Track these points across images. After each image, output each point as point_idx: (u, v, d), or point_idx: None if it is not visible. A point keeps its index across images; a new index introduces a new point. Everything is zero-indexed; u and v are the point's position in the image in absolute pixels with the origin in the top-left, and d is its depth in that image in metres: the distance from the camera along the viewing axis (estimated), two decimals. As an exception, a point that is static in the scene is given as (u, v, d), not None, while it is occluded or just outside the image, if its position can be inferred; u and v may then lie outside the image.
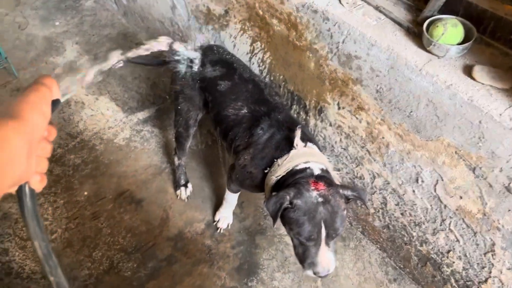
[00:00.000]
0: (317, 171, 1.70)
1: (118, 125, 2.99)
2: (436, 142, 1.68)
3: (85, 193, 2.66)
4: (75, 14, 3.75)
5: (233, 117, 1.99)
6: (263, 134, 1.87)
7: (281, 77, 2.27)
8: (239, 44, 2.42)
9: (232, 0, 2.24)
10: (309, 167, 1.70)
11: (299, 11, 1.89)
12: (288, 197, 1.57)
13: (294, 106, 2.32)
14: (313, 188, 1.59)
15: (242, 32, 2.34)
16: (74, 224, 2.52)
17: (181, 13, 2.77)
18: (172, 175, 2.73)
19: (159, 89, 3.22)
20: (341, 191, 1.63)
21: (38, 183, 0.72)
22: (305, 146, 1.78)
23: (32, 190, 0.73)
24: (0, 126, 0.62)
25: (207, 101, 2.13)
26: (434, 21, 1.58)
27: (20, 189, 0.72)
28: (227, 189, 2.28)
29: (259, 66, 2.37)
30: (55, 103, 0.78)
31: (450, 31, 1.51)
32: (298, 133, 1.75)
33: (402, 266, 2.31)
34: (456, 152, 1.63)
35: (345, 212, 1.62)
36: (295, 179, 1.67)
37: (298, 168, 1.71)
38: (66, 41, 3.54)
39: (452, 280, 2.02)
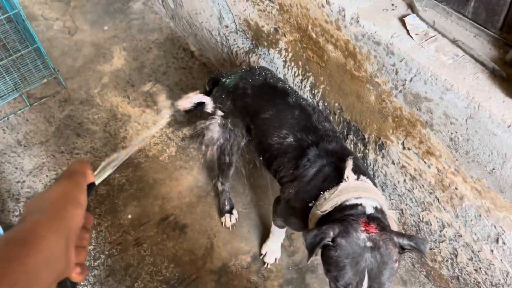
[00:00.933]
0: (370, 210, 1.42)
1: (164, 141, 2.86)
2: (524, 207, 1.38)
3: (129, 216, 2.56)
4: (123, 18, 3.62)
5: (277, 146, 1.77)
6: (310, 166, 1.63)
7: (336, 104, 2.02)
8: (289, 64, 2.18)
9: (282, 19, 2.00)
10: (361, 204, 1.42)
11: (358, 40, 1.62)
12: (331, 233, 1.31)
13: (351, 136, 2.06)
14: (362, 229, 1.32)
15: (292, 53, 2.10)
16: (117, 251, 2.43)
17: (228, 25, 2.56)
18: (217, 199, 2.57)
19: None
20: (395, 238, 1.34)
21: (79, 275, 0.69)
22: (357, 179, 1.51)
23: (74, 284, 0.69)
24: (33, 225, 0.60)
25: (250, 127, 1.93)
26: (529, 65, 1.27)
27: (61, 285, 0.67)
28: (272, 223, 2.08)
29: (311, 90, 2.13)
30: (90, 187, 0.77)
31: (551, 80, 1.20)
32: (349, 163, 1.49)
33: (472, 321, 2.04)
34: (551, 223, 1.33)
35: (396, 264, 1.33)
36: (343, 216, 1.40)
37: (347, 203, 1.44)
38: (113, 47, 3.43)
39: None
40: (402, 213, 2.03)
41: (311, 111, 1.79)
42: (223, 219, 2.46)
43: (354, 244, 1.30)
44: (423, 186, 1.79)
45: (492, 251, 1.64)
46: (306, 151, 1.67)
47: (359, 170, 1.55)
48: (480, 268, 1.76)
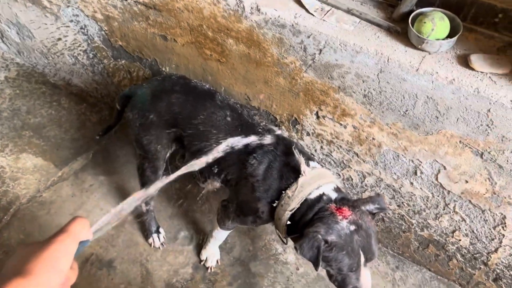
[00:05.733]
0: (333, 194, 1.59)
1: (54, 182, 2.60)
2: (437, 136, 1.66)
3: (43, 272, 2.29)
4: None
5: None
6: (259, 163, 1.70)
7: (243, 95, 2.10)
8: (191, 67, 2.20)
9: (170, 25, 2.00)
10: (323, 193, 1.58)
11: (262, 28, 1.73)
12: (320, 237, 1.44)
13: (263, 123, 2.17)
14: (340, 217, 1.48)
15: (186, 56, 2.12)
16: (43, 313, 2.16)
17: (99, 44, 2.44)
18: (138, 223, 2.45)
19: (87, 130, 2.85)
20: (364, 208, 1.55)
21: None
22: (311, 168, 1.65)
23: None
24: (5, 284, 0.61)
25: (178, 136, 1.90)
26: (417, 17, 1.53)
27: None
28: (218, 227, 2.06)
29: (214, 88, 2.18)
30: (83, 243, 0.77)
31: (439, 26, 1.47)
32: (301, 158, 1.62)
33: (400, 252, 2.33)
34: (460, 141, 1.62)
35: (375, 227, 1.55)
36: (316, 212, 1.55)
37: (312, 197, 1.58)
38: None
39: (458, 256, 2.07)
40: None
41: (239, 108, 1.85)
42: (150, 240, 2.36)
43: (343, 235, 1.46)
44: (340, 146, 1.99)
45: (412, 183, 1.91)
46: (250, 149, 1.73)
47: (306, 157, 1.69)
48: (402, 202, 2.03)
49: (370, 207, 1.57)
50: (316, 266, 1.45)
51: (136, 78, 2.50)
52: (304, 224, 1.56)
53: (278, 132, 1.79)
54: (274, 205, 1.66)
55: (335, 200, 1.57)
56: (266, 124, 1.85)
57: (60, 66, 2.85)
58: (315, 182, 1.60)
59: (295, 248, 1.47)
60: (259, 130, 1.78)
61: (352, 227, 1.47)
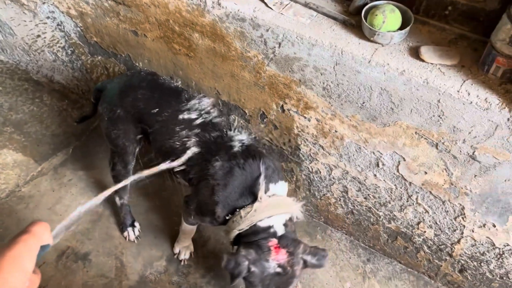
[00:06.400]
0: (280, 230, 1.67)
1: (34, 177, 2.65)
2: (394, 127, 1.69)
3: (19, 264, 2.33)
4: None
5: (181, 148, 1.82)
6: (222, 167, 1.72)
7: (213, 89, 2.14)
8: (162, 62, 2.24)
9: (139, 20, 2.04)
10: (272, 226, 1.67)
11: (224, 22, 1.77)
12: (247, 263, 1.57)
13: (232, 116, 2.21)
14: (273, 257, 1.59)
15: (157, 51, 2.16)
16: (18, 304, 2.20)
17: (75, 40, 2.49)
18: (114, 217, 2.49)
19: (68, 126, 2.90)
20: (301, 256, 1.63)
21: None
22: (269, 195, 1.70)
23: None
24: None
25: (144, 132, 1.94)
26: (370, 10, 1.56)
27: None
28: (183, 222, 2.11)
29: (184, 82, 2.22)
30: (44, 247, 0.77)
31: (389, 18, 1.50)
32: (262, 183, 1.66)
33: (371, 245, 2.36)
34: (416, 132, 1.65)
35: (299, 276, 1.66)
36: (257, 239, 1.65)
37: (261, 225, 1.66)
38: None
39: (425, 247, 2.09)
40: (293, 171, 2.25)
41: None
42: (125, 233, 2.40)
43: (266, 272, 1.59)
44: (307, 140, 2.02)
45: (375, 175, 1.94)
46: (214, 150, 1.76)
47: (270, 179, 1.71)
48: (368, 194, 2.06)
49: (309, 258, 1.65)
50: (231, 282, 1.58)
51: (113, 74, 2.54)
52: (244, 243, 1.66)
53: (245, 138, 1.81)
54: (227, 218, 1.73)
55: (279, 237, 1.65)
56: (232, 125, 1.89)
57: (41, 63, 2.89)
58: (268, 211, 1.67)
59: (222, 261, 1.60)
60: (225, 132, 1.81)
61: (278, 270, 1.59)
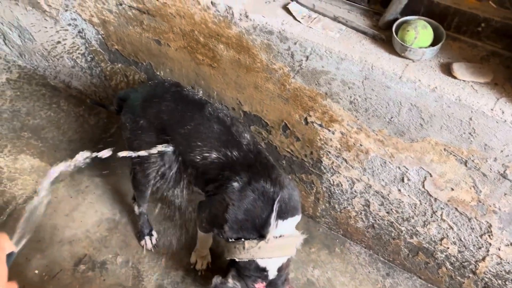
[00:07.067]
0: (272, 275, 1.73)
1: (51, 183, 2.63)
2: (422, 143, 1.66)
3: (36, 271, 2.33)
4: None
5: (201, 162, 1.81)
6: (240, 189, 1.69)
7: (234, 99, 2.13)
8: (185, 71, 2.23)
9: (163, 30, 2.04)
10: (267, 270, 1.72)
11: (251, 34, 1.76)
12: None
13: (253, 127, 2.19)
14: None
15: (179, 60, 2.15)
16: (35, 313, 2.20)
17: (96, 47, 2.48)
18: (131, 225, 2.48)
19: (85, 132, 2.90)
20: None
21: None
22: (276, 236, 1.69)
23: None
24: None
25: (166, 143, 1.93)
26: (401, 25, 1.54)
27: None
28: (198, 230, 2.10)
29: (206, 92, 2.21)
30: (10, 256, 0.80)
31: (422, 34, 1.48)
32: (272, 225, 1.65)
33: (391, 259, 2.33)
34: (445, 149, 1.62)
35: None
36: (250, 275, 1.72)
37: (259, 263, 1.71)
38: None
39: (447, 264, 2.06)
40: (313, 183, 2.23)
41: (229, 122, 1.84)
42: (143, 242, 2.39)
43: None
44: (329, 152, 2.00)
45: (399, 190, 1.92)
46: (234, 170, 1.74)
47: (280, 215, 1.68)
48: (391, 209, 2.03)
49: None
50: None
51: (132, 82, 2.54)
52: (236, 269, 1.74)
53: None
54: (230, 240, 1.73)
55: (269, 282, 1.74)
56: (256, 142, 1.86)
57: (60, 68, 2.90)
58: (271, 252, 1.69)
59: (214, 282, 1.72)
60: (244, 148, 1.79)
61: None
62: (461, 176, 1.67)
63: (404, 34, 1.50)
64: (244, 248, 1.67)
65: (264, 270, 1.71)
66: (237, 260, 1.71)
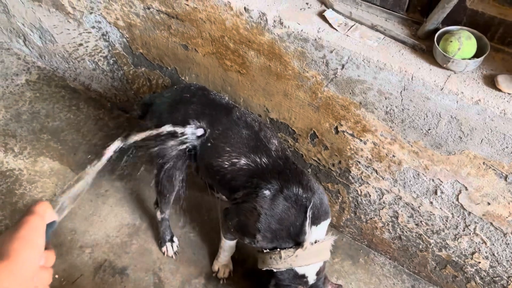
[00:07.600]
0: (312, 280, 1.74)
1: (63, 185, 2.62)
2: (459, 156, 1.62)
3: (56, 276, 2.30)
4: (-23, 66, 3.22)
5: (229, 169, 1.78)
6: (271, 197, 1.67)
7: (262, 106, 2.09)
8: (211, 77, 2.20)
9: (191, 35, 2.00)
10: (307, 276, 1.72)
11: (284, 41, 1.72)
12: None
13: (280, 134, 2.16)
14: None
15: (206, 66, 2.12)
16: (55, 319, 2.17)
17: (120, 50, 2.46)
18: (152, 230, 2.45)
19: (104, 135, 2.87)
20: None
21: None
22: (312, 242, 1.67)
23: None
24: None
25: (194, 148, 1.90)
26: (442, 35, 1.50)
27: None
28: (222, 237, 2.07)
29: (232, 98, 2.17)
30: (51, 225, 0.79)
31: (465, 45, 1.44)
32: (307, 233, 1.64)
33: (417, 271, 2.29)
34: (484, 163, 1.58)
35: None
36: (289, 284, 1.72)
37: (298, 271, 1.72)
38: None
39: (477, 278, 2.02)
40: (339, 193, 2.19)
41: (257, 127, 1.82)
42: (164, 249, 2.36)
43: None
44: (359, 162, 1.96)
45: (431, 202, 1.87)
46: (264, 177, 1.71)
47: (314, 221, 1.67)
48: (421, 221, 1.99)
49: None
50: None
51: (155, 86, 2.51)
52: (276, 281, 1.75)
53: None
54: (265, 251, 1.72)
55: (310, 286, 1.74)
56: (284, 148, 1.84)
57: (80, 71, 2.87)
58: (309, 259, 1.68)
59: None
60: (273, 155, 1.76)
61: None
62: (500, 191, 1.63)
63: (447, 45, 1.46)
64: (281, 258, 1.65)
65: (303, 277, 1.71)
66: (274, 270, 1.68)
